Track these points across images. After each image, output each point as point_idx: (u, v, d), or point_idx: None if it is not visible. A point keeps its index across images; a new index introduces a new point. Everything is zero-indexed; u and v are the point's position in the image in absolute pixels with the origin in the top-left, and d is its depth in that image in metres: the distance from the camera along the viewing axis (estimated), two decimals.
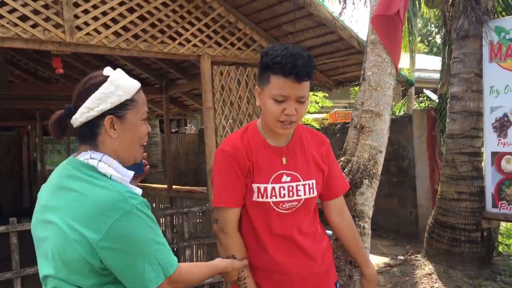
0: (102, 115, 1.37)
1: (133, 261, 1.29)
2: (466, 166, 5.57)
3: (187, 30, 3.86)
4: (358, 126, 2.22)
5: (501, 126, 5.23)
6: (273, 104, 1.72)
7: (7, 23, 3.09)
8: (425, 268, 5.75)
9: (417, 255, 6.24)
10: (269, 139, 1.86)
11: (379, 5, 2.06)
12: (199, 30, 3.93)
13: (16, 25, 3.12)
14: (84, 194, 1.29)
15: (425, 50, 23.84)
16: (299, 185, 1.83)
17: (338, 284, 1.94)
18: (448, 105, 5.85)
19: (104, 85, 1.37)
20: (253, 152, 1.83)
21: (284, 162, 1.85)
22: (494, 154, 5.32)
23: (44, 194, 1.41)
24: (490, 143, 5.35)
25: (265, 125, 1.85)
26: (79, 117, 1.37)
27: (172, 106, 7.06)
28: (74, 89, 1.42)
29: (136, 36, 3.65)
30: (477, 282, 5.21)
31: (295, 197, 1.82)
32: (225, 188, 1.83)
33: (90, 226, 1.26)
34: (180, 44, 3.84)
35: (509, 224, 7.30)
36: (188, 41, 3.88)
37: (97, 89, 1.37)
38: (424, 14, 11.33)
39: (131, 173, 1.43)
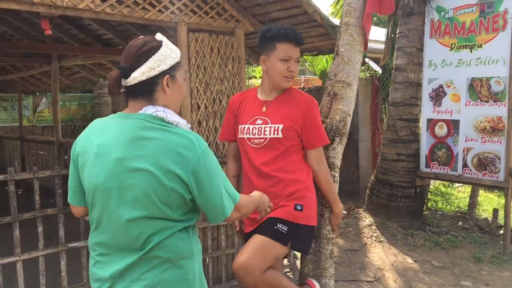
0: (161, 74, 1.60)
1: (213, 192, 1.59)
2: (405, 131, 6.28)
3: None
4: (332, 93, 2.70)
5: (436, 96, 5.93)
6: (281, 64, 2.39)
7: None
8: (366, 220, 6.49)
9: (359, 209, 6.98)
10: (262, 95, 2.53)
11: (370, 5, 2.50)
12: None
13: None
14: (167, 140, 1.52)
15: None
16: (266, 127, 2.43)
17: (298, 206, 2.42)
18: (392, 76, 6.49)
19: (163, 48, 1.60)
20: (242, 104, 2.55)
21: (264, 110, 2.47)
22: (429, 120, 6.04)
23: (114, 148, 1.55)
24: (427, 111, 6.05)
25: (264, 85, 2.52)
26: (140, 76, 1.57)
27: None
28: (126, 50, 1.62)
29: (119, 2, 3.88)
30: (410, 231, 6.00)
31: (262, 135, 2.43)
32: (224, 128, 2.66)
33: (180, 165, 1.52)
34: (159, 11, 4.11)
35: (437, 182, 8.23)
36: (167, 8, 4.15)
37: (157, 51, 1.59)
38: None
39: (185, 121, 1.67)
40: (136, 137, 1.54)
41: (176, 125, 1.60)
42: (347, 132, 2.70)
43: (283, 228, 2.35)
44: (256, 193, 2.03)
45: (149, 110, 1.59)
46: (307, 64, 13.41)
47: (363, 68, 14.76)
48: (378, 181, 6.51)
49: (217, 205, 1.62)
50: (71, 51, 6.94)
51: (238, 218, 1.82)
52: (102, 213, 1.61)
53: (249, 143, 2.48)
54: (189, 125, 1.67)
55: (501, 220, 6.38)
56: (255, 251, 2.30)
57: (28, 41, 7.01)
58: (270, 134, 2.42)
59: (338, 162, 2.69)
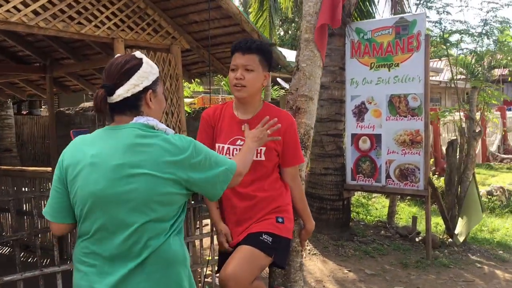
0: (144, 90, 1.71)
1: (209, 175, 1.73)
2: (331, 146, 6.55)
3: (102, 13, 3.97)
4: (294, 107, 2.77)
5: (359, 112, 6.27)
6: (231, 74, 2.41)
7: None
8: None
9: None
10: (237, 112, 2.49)
11: (322, 16, 2.60)
12: (113, 13, 4.06)
13: None
14: (162, 145, 1.64)
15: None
16: None
17: (280, 219, 2.45)
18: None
19: (144, 65, 1.73)
20: (219, 120, 2.49)
21: (243, 129, 2.41)
22: (353, 135, 6.35)
23: (112, 156, 1.62)
24: (350, 126, 6.37)
25: (236, 100, 2.47)
26: (125, 93, 1.68)
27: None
28: (108, 69, 1.72)
29: (54, 16, 3.67)
30: (340, 242, 6.22)
31: None
32: (200, 142, 2.46)
33: (178, 155, 1.65)
34: (96, 26, 3.94)
35: (357, 194, 8.66)
36: (103, 23, 4.00)
37: (139, 68, 1.71)
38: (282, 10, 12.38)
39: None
40: (134, 143, 1.63)
41: (165, 132, 1.72)
42: (310, 145, 2.77)
43: (268, 239, 2.35)
44: (245, 144, 2.15)
45: (141, 119, 1.70)
46: (222, 83, 13.56)
47: (275, 87, 15.27)
48: (308, 195, 6.63)
49: (214, 187, 1.78)
50: None
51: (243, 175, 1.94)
52: (102, 220, 1.63)
53: None
54: (173, 131, 1.78)
55: (419, 227, 6.86)
56: (243, 261, 2.27)
57: None
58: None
59: (303, 174, 2.74)
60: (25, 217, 5.80)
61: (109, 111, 1.73)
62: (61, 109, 13.14)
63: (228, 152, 2.42)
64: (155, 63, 4.40)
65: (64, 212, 1.74)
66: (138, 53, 1.77)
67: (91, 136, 1.74)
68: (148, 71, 1.73)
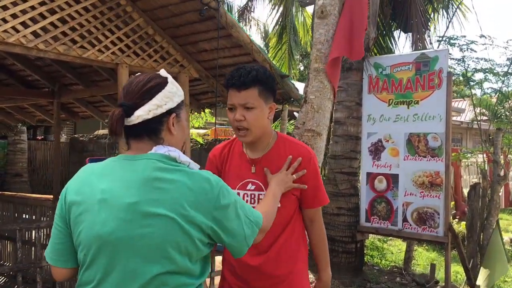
0: (166, 113, 1.48)
1: (237, 227, 1.48)
2: (345, 184, 6.23)
3: (107, 37, 3.82)
4: None
5: (375, 150, 5.96)
6: (229, 114, 2.02)
7: None
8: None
9: None
10: (247, 150, 2.11)
11: (337, 46, 2.36)
12: (119, 38, 3.91)
13: None
14: (185, 183, 1.39)
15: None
16: (261, 194, 2.04)
17: None
18: (332, 129, 6.50)
19: (169, 85, 1.50)
20: (227, 160, 2.12)
21: (253, 171, 2.06)
22: (368, 174, 6.03)
23: (125, 192, 1.37)
24: (366, 164, 6.06)
25: None
26: (145, 114, 1.43)
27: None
28: (128, 87, 1.47)
29: (55, 38, 3.52)
30: None
31: (255, 205, 2.00)
32: None
33: (201, 207, 1.39)
34: (99, 51, 3.78)
35: (371, 237, 8.24)
36: (108, 48, 3.84)
37: (163, 88, 1.48)
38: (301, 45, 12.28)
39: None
40: (151, 178, 1.38)
41: (188, 166, 1.47)
42: None
43: None
44: (270, 187, 1.92)
45: (161, 150, 1.45)
46: None
47: (292, 121, 15.05)
48: None
49: (241, 239, 1.51)
50: None
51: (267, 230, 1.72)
52: (109, 269, 1.38)
53: None
54: (198, 166, 1.53)
55: (437, 275, 6.41)
56: None
57: None
58: None
59: None
60: (25, 246, 5.57)
61: (125, 135, 1.49)
62: (75, 135, 13.09)
63: None
64: None
65: (67, 256, 1.49)
66: (163, 72, 1.54)
67: (101, 165, 1.48)
68: (174, 91, 1.50)
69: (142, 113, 1.43)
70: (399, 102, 5.80)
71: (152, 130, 1.47)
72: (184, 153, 1.52)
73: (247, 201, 2.05)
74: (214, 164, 2.18)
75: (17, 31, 3.27)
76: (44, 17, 3.44)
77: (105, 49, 3.81)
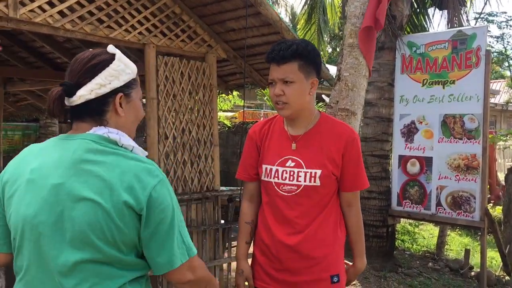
0: (112, 92, 1.35)
1: (164, 231, 1.30)
2: (376, 167, 6.07)
3: (133, 16, 3.74)
4: None
5: (408, 132, 5.78)
6: (270, 89, 2.01)
7: None
8: None
9: None
10: (288, 127, 2.06)
11: (367, 17, 2.22)
12: (146, 18, 3.83)
13: None
14: (120, 166, 1.27)
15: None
16: (300, 171, 1.98)
17: (335, 278, 2.01)
18: (362, 110, 6.32)
19: (115, 62, 1.35)
20: (267, 137, 2.08)
21: (294, 148, 2.01)
22: (401, 157, 5.86)
23: (52, 172, 1.27)
24: (398, 147, 5.88)
25: None
26: (87, 94, 1.31)
27: None
28: (72, 65, 1.36)
29: (82, 18, 3.46)
30: (382, 273, 5.71)
31: (294, 182, 1.98)
32: (241, 163, 2.18)
33: (133, 194, 1.25)
34: (126, 30, 3.71)
35: (402, 221, 8.07)
36: (134, 28, 3.76)
37: (108, 65, 1.34)
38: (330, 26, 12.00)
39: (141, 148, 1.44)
40: (81, 159, 1.28)
41: (131, 150, 1.36)
42: None
43: None
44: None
45: (100, 130, 1.34)
46: (265, 98, 13.25)
47: (320, 104, 14.83)
48: None
49: (164, 249, 1.31)
50: (19, 75, 6.35)
51: (189, 282, 1.38)
52: (31, 256, 1.29)
53: (278, 190, 2.02)
54: (146, 153, 1.41)
55: (472, 261, 6.23)
56: None
57: None
58: (305, 181, 1.98)
59: None
60: None
61: (70, 117, 1.38)
62: None
63: (276, 175, 2.02)
64: (188, 72, 4.17)
65: (3, 239, 1.39)
66: (110, 47, 1.40)
67: (41, 145, 1.39)
68: (120, 69, 1.35)
69: (84, 93, 1.32)
70: (434, 82, 5.58)
71: (95, 111, 1.35)
72: (145, 135, 1.40)
73: (285, 178, 2.01)
74: (253, 140, 2.13)
75: (44, 10, 3.22)
76: None
77: (132, 28, 3.73)
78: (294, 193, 2.00)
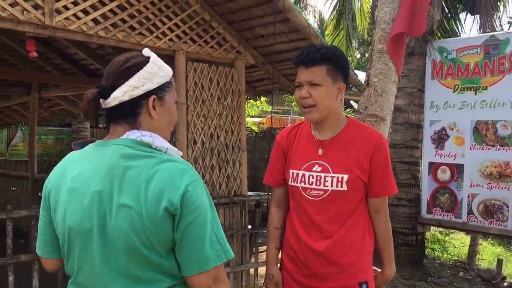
0: (146, 95, 1.36)
1: (197, 232, 1.27)
2: (405, 174, 5.99)
3: (164, 23, 3.82)
4: None
5: (439, 139, 5.69)
6: (296, 92, 2.01)
7: None
8: None
9: None
10: (315, 132, 2.06)
11: (399, 24, 2.21)
12: (176, 25, 3.90)
13: None
14: (152, 169, 1.27)
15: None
16: (327, 176, 1.98)
17: (364, 285, 2.00)
18: (391, 116, 6.26)
19: (149, 65, 1.36)
20: (294, 142, 2.08)
21: (320, 153, 2.01)
22: (431, 164, 5.77)
23: (91, 180, 1.29)
24: (428, 153, 5.79)
25: None
26: (121, 96, 1.33)
27: None
28: (108, 68, 1.39)
29: (114, 25, 3.55)
30: (411, 282, 5.61)
31: (321, 187, 1.98)
32: (269, 168, 2.19)
33: (166, 196, 1.24)
34: (157, 37, 3.78)
35: (432, 229, 7.92)
36: (165, 35, 3.83)
37: (141, 68, 1.35)
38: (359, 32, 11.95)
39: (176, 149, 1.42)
40: (115, 165, 1.29)
41: (165, 152, 1.35)
42: None
43: None
44: None
45: (133, 134, 1.34)
46: (293, 104, 13.24)
47: (348, 110, 14.72)
48: None
49: (196, 248, 1.28)
50: (54, 81, 6.54)
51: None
52: (80, 262, 1.32)
53: (305, 194, 2.03)
54: (181, 153, 1.40)
55: (504, 271, 6.06)
56: None
57: (7, 69, 6.61)
58: (332, 186, 1.97)
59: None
60: None
61: (105, 119, 1.40)
62: None
63: (303, 180, 2.01)
64: (217, 78, 4.22)
65: (52, 247, 1.43)
66: (146, 51, 1.41)
67: (80, 152, 1.41)
68: (154, 71, 1.36)
69: (118, 95, 1.33)
70: (465, 88, 5.49)
71: (129, 113, 1.36)
72: (174, 140, 1.41)
73: (312, 183, 2.00)
74: (280, 146, 2.14)
75: (78, 18, 3.32)
76: (104, 4, 3.46)
77: (163, 35, 3.80)
78: (321, 197, 1.99)
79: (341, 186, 1.95)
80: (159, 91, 1.38)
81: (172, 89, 1.44)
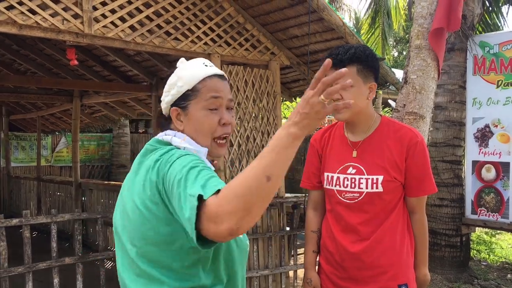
0: (171, 106, 1.36)
1: (176, 190, 1.11)
2: (448, 174, 5.82)
3: (199, 28, 3.85)
4: None
5: (482, 136, 5.49)
6: None
7: (27, 10, 3.00)
8: None
9: None
10: (348, 133, 2.02)
11: (438, 18, 2.15)
12: (210, 29, 3.93)
13: (35, 13, 3.03)
14: (150, 160, 1.28)
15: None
16: (362, 178, 1.94)
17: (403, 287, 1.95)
18: (431, 114, 6.09)
19: (171, 76, 1.37)
20: (327, 144, 2.06)
21: (354, 155, 1.97)
22: (475, 162, 5.58)
23: (127, 181, 1.36)
24: (472, 152, 5.60)
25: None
26: (162, 108, 1.41)
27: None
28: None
29: (151, 32, 3.61)
30: (456, 285, 5.43)
31: (356, 189, 1.95)
32: (305, 171, 2.17)
33: (157, 176, 1.21)
34: (192, 41, 3.82)
35: (478, 230, 7.66)
36: (200, 39, 3.87)
37: (167, 80, 1.39)
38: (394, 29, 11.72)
39: (205, 149, 1.34)
40: (138, 163, 1.34)
41: (183, 149, 1.31)
42: None
43: None
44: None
45: (159, 135, 1.38)
46: None
47: (386, 109, 14.45)
48: None
49: (181, 204, 1.07)
50: (94, 87, 6.72)
51: (228, 230, 1.00)
52: (117, 252, 1.38)
53: (340, 197, 2.00)
54: (203, 153, 1.32)
55: None
56: None
57: (50, 78, 6.84)
58: (367, 188, 1.93)
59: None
60: None
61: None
62: None
63: (338, 183, 1.99)
64: (252, 80, 4.22)
65: None
66: (180, 61, 1.41)
67: None
68: (171, 83, 1.35)
69: (161, 107, 1.42)
70: (509, 83, 5.28)
71: (164, 123, 1.42)
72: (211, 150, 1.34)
73: (347, 185, 1.98)
74: (315, 148, 2.12)
75: (116, 25, 3.39)
76: (140, 11, 3.53)
77: (198, 39, 3.84)
78: (356, 200, 1.96)
79: (376, 188, 1.92)
80: (181, 102, 1.34)
81: (199, 95, 1.33)
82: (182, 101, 1.34)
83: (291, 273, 4.44)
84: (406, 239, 1.98)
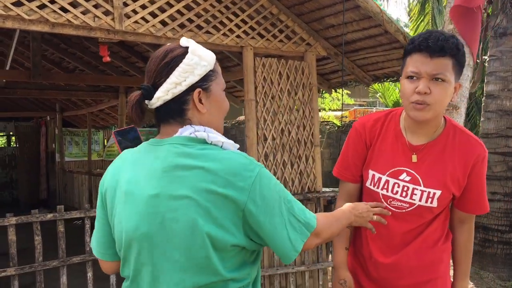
0: (189, 89, 1.25)
1: (275, 223, 1.23)
2: (500, 166, 5.49)
3: (231, 20, 3.80)
4: None
5: None
6: (406, 83, 1.62)
7: (59, 8, 3.05)
8: None
9: None
10: (407, 133, 1.75)
11: None
12: (243, 21, 3.87)
13: (67, 11, 3.08)
14: (212, 168, 1.18)
15: None
16: (416, 189, 1.72)
17: None
18: (483, 104, 5.77)
19: (188, 56, 1.25)
20: (379, 138, 1.78)
21: (414, 160, 1.72)
22: None
23: (147, 183, 1.23)
24: None
25: (407, 116, 1.71)
26: (164, 95, 1.24)
27: None
28: (147, 65, 1.30)
29: (182, 26, 3.60)
30: (510, 284, 5.14)
31: (407, 199, 1.73)
32: (341, 160, 1.90)
33: (231, 187, 1.17)
34: (224, 34, 3.78)
35: None
36: (232, 31, 3.82)
37: (181, 61, 1.24)
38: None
39: (236, 145, 1.31)
40: (172, 166, 1.21)
41: (221, 147, 1.26)
42: None
43: None
44: (344, 207, 1.59)
45: (186, 131, 1.25)
46: (378, 95, 12.76)
47: None
48: None
49: (282, 241, 1.26)
50: (137, 83, 6.83)
51: (320, 243, 1.41)
52: (137, 267, 1.26)
53: (385, 202, 1.77)
54: (237, 145, 1.30)
55: None
56: None
57: (97, 75, 7.04)
58: (420, 201, 1.71)
59: None
60: None
61: (155, 120, 1.32)
62: None
63: (386, 187, 1.75)
64: (286, 72, 4.13)
65: (109, 249, 1.37)
66: (183, 40, 1.30)
67: (134, 151, 1.33)
68: (194, 62, 1.24)
69: (161, 95, 1.24)
70: None
71: (176, 111, 1.27)
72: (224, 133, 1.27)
73: (396, 192, 1.73)
74: (362, 137, 1.81)
75: (147, 21, 3.40)
76: (171, 6, 3.52)
77: (230, 32, 3.79)
78: (404, 210, 1.74)
79: (431, 203, 1.70)
80: (204, 82, 1.27)
81: (218, 76, 1.33)
82: (205, 81, 1.28)
83: (329, 270, 4.33)
84: (444, 246, 1.80)
